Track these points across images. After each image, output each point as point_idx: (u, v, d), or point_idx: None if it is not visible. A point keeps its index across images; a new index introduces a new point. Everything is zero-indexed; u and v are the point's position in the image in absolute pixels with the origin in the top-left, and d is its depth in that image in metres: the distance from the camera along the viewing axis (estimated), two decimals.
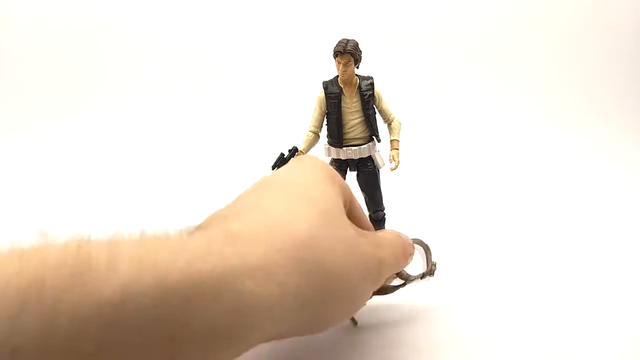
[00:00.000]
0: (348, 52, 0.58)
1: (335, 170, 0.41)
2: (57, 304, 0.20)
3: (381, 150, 0.64)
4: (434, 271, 0.52)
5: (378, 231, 0.44)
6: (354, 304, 0.37)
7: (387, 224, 0.66)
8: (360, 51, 0.60)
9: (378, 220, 0.65)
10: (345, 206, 0.39)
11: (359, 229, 0.39)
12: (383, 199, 0.65)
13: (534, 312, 0.53)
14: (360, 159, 0.63)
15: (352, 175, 0.65)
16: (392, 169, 0.62)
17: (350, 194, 0.42)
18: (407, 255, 0.44)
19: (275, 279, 0.28)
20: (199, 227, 0.31)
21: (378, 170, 0.64)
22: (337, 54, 0.59)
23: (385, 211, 0.66)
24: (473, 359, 0.45)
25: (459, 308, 0.54)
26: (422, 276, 0.51)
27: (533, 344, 0.47)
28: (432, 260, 0.52)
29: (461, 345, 0.47)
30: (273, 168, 0.63)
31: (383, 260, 0.39)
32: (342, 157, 0.63)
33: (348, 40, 0.59)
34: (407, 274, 0.49)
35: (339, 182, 0.40)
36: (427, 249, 0.53)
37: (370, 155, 0.63)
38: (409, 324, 0.51)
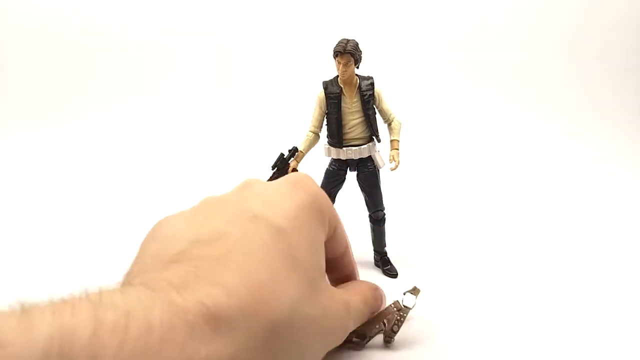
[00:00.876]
0: (348, 52, 0.58)
1: (324, 198, 0.38)
2: None
3: (381, 151, 0.64)
4: (390, 339, 0.47)
5: (352, 287, 0.43)
6: None
7: (387, 224, 0.66)
8: (360, 51, 0.60)
9: (378, 220, 0.65)
10: (327, 236, 0.39)
11: (332, 289, 0.38)
12: (383, 199, 0.65)
13: (532, 312, 0.53)
14: (360, 159, 0.63)
15: (352, 175, 0.65)
16: (392, 169, 0.62)
17: (336, 220, 0.41)
18: (370, 311, 0.44)
19: None
20: (180, 289, 0.27)
21: (378, 171, 0.64)
22: (337, 54, 0.59)
23: (385, 211, 0.66)
24: (470, 358, 0.45)
25: (456, 307, 0.54)
26: (384, 335, 0.47)
27: (530, 344, 0.47)
28: (398, 329, 0.46)
29: (459, 345, 0.47)
30: (273, 168, 0.63)
31: (347, 330, 0.40)
32: (342, 157, 0.63)
33: (348, 40, 0.59)
34: (365, 334, 0.46)
35: (327, 214, 0.38)
36: (401, 317, 0.46)
37: (370, 156, 0.63)
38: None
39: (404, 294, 0.48)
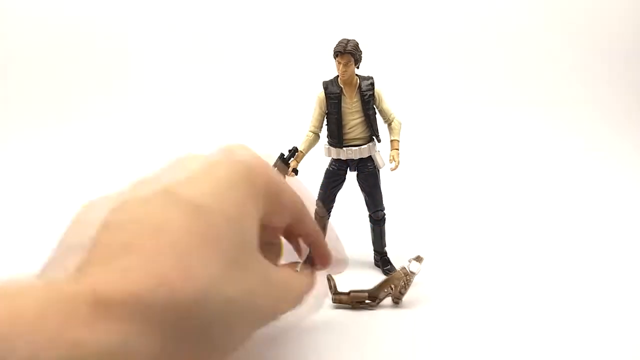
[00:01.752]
0: (348, 52, 0.58)
1: (258, 168, 0.36)
2: None
3: (381, 151, 0.64)
4: (399, 300, 0.55)
5: (287, 270, 0.39)
6: (233, 350, 0.33)
7: (387, 224, 0.66)
8: (361, 51, 0.60)
9: (378, 220, 0.65)
10: (267, 208, 0.36)
11: (269, 268, 0.35)
12: (383, 199, 0.65)
13: (530, 312, 0.53)
14: (360, 159, 0.63)
15: (352, 175, 0.65)
16: (392, 169, 0.62)
17: (277, 189, 0.37)
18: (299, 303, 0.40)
19: None
20: (74, 275, 0.27)
21: (378, 171, 0.64)
22: (337, 54, 0.59)
23: (385, 211, 0.66)
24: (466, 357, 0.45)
25: (456, 307, 0.54)
26: (394, 297, 0.55)
27: (527, 344, 0.47)
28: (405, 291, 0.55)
29: (459, 346, 0.48)
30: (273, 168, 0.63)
31: (278, 311, 0.37)
32: (343, 158, 0.63)
33: (348, 41, 0.59)
34: (377, 297, 0.55)
35: (261, 186, 0.35)
36: (408, 281, 0.55)
37: (370, 156, 0.63)
38: (405, 319, 0.51)
39: (409, 261, 0.54)
